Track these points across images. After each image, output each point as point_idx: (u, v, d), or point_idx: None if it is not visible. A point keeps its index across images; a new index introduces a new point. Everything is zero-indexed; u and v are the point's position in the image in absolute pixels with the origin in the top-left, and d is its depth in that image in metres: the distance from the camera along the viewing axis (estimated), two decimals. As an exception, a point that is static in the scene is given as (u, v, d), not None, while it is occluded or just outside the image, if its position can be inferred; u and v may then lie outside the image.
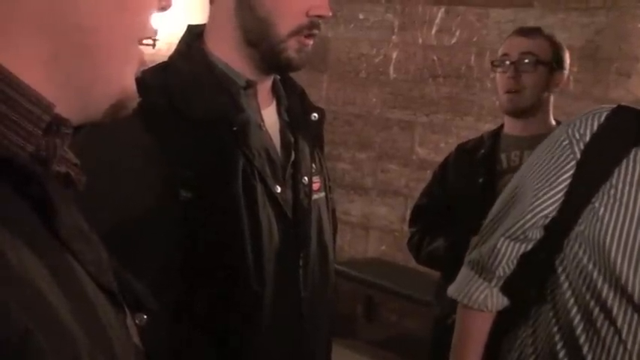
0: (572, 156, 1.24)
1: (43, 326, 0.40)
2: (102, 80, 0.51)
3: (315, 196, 1.20)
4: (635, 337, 1.19)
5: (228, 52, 1.13)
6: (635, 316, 1.19)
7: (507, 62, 1.99)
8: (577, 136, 1.24)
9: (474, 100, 3.73)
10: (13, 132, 0.44)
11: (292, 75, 1.26)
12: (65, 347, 0.41)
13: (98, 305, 0.48)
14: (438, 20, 3.84)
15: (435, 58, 3.85)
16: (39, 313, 0.40)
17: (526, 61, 1.97)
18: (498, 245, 1.31)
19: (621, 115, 1.25)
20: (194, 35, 1.16)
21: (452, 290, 1.40)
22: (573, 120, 1.29)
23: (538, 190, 1.27)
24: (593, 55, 3.24)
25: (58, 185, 0.49)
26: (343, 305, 3.89)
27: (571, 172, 1.24)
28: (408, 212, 2.33)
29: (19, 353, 0.38)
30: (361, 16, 4.08)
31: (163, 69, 1.10)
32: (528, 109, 2.00)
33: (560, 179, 1.25)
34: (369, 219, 4.10)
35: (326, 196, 1.25)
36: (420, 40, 3.90)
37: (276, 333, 1.13)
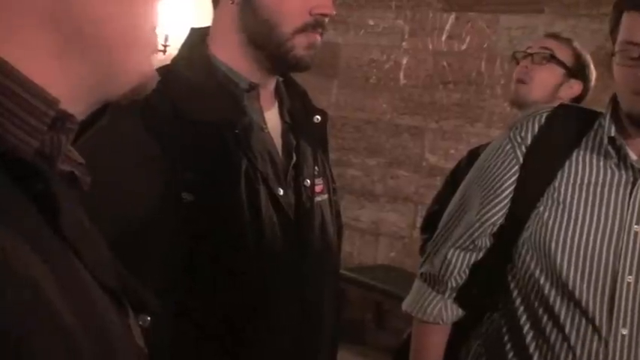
0: (515, 160, 1.23)
1: (43, 325, 0.40)
2: (119, 68, 0.51)
3: (317, 198, 1.19)
4: (583, 342, 1.17)
5: (232, 55, 1.13)
6: (583, 321, 1.17)
7: (526, 54, 2.02)
8: (519, 139, 1.23)
9: (484, 106, 3.72)
10: (17, 127, 0.44)
11: (299, 79, 1.26)
12: (65, 346, 0.41)
13: (100, 305, 0.47)
14: (448, 26, 3.83)
15: (445, 64, 3.85)
16: (39, 312, 0.40)
17: (542, 54, 1.99)
18: (448, 256, 1.30)
19: (561, 115, 1.24)
20: (197, 38, 1.16)
21: (406, 304, 1.38)
22: (515, 123, 1.27)
23: (484, 198, 1.26)
24: (603, 61, 3.22)
25: (61, 183, 0.49)
26: (352, 312, 3.87)
27: (515, 177, 1.23)
28: (418, 219, 2.32)
29: (17, 352, 0.38)
30: (371, 22, 4.08)
31: (166, 72, 1.10)
32: (532, 105, 1.99)
33: (505, 185, 1.24)
34: (378, 225, 4.09)
35: (329, 199, 1.24)
36: (431, 47, 3.89)
37: (279, 334, 1.12)
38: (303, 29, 1.09)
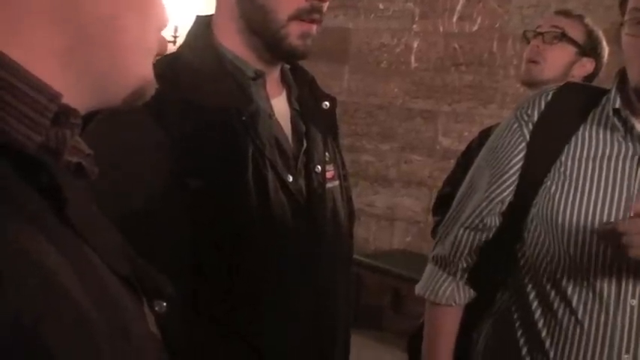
0: (521, 138, 1.23)
1: (59, 309, 0.40)
2: (119, 70, 0.50)
3: (329, 185, 1.19)
4: (590, 317, 1.16)
5: (234, 43, 1.13)
6: (590, 296, 1.16)
7: (536, 33, 2.00)
8: (525, 117, 1.23)
9: (497, 87, 3.69)
10: (19, 122, 0.44)
11: (310, 66, 1.25)
12: (80, 331, 0.41)
13: (114, 290, 0.48)
14: (459, 7, 3.80)
15: (457, 46, 3.82)
16: (55, 297, 0.41)
17: (553, 33, 1.97)
18: (458, 236, 1.29)
19: (568, 92, 1.24)
20: (202, 26, 1.16)
21: (419, 288, 1.37)
22: (522, 102, 1.27)
23: (492, 177, 1.26)
24: (617, 37, 3.18)
25: (68, 174, 0.49)
26: (370, 297, 3.88)
27: (522, 154, 1.23)
28: (433, 203, 2.31)
29: (33, 335, 0.38)
30: (381, 6, 4.06)
31: (173, 59, 1.10)
32: (545, 84, 1.98)
33: (512, 162, 1.24)
34: (393, 210, 4.08)
35: (340, 185, 1.24)
36: (441, 29, 3.86)
37: (294, 320, 1.12)
38: (297, 15, 1.08)
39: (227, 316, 1.07)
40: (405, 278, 3.61)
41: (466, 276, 1.33)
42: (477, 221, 1.28)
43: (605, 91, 1.23)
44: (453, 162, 2.41)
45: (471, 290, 1.34)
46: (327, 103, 1.22)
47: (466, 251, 1.30)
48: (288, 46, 1.09)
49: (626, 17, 1.14)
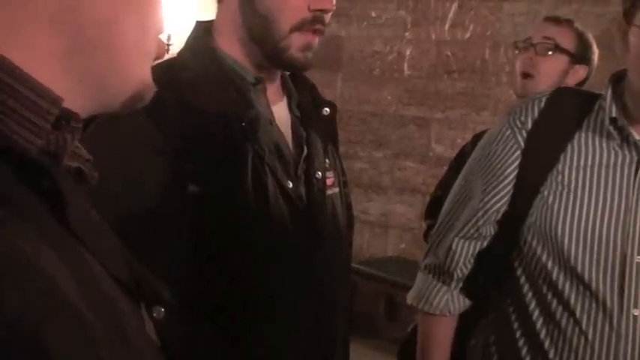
0: (516, 146, 1.21)
1: (58, 313, 0.40)
2: (118, 73, 0.51)
3: (329, 192, 1.18)
4: (595, 326, 1.15)
5: (235, 49, 1.13)
6: (594, 305, 1.15)
7: (528, 45, 2.00)
8: (519, 124, 1.21)
9: (489, 94, 3.71)
10: (21, 126, 0.44)
11: (305, 73, 1.25)
12: (79, 335, 0.41)
13: (112, 295, 0.48)
14: (451, 15, 3.82)
15: (449, 53, 3.84)
16: (54, 301, 0.41)
17: (545, 45, 1.97)
18: (453, 246, 1.28)
19: (561, 98, 1.22)
20: (202, 31, 1.16)
21: (411, 297, 1.35)
22: (514, 108, 1.26)
23: (487, 185, 1.24)
24: (609, 45, 3.20)
25: (68, 179, 0.49)
26: (364, 305, 3.87)
27: (517, 162, 1.21)
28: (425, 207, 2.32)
29: (33, 339, 0.38)
30: (373, 14, 4.07)
31: (172, 64, 1.10)
32: None
33: (507, 171, 1.22)
34: (387, 217, 4.08)
35: (340, 192, 1.24)
36: (434, 36, 3.88)
37: (290, 327, 1.12)
38: (300, 26, 1.08)
39: (226, 321, 1.07)
40: (400, 285, 3.60)
41: (460, 285, 1.31)
42: (472, 231, 1.26)
43: (597, 96, 1.22)
44: (446, 169, 2.42)
45: (466, 299, 1.32)
46: (327, 109, 1.22)
47: (461, 261, 1.28)
48: (289, 58, 1.09)
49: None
